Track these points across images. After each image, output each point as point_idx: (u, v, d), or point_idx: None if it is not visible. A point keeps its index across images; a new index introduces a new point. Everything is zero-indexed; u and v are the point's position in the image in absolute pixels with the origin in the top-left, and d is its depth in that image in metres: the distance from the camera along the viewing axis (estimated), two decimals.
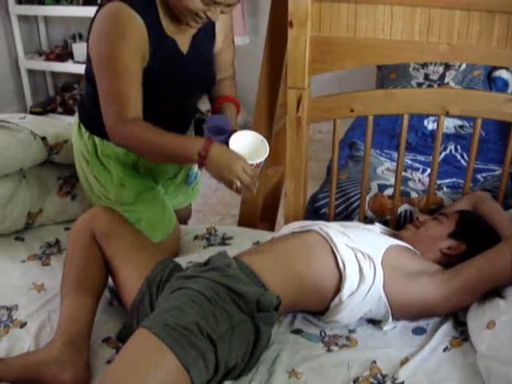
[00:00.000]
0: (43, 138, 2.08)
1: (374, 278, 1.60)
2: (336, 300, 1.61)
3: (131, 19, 1.61)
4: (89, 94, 1.85)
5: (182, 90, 1.84)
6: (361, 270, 1.60)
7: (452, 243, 1.74)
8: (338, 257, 1.61)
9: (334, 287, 1.62)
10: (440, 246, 1.75)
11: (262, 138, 1.76)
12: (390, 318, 1.63)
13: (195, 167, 2.18)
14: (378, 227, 1.88)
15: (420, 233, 1.79)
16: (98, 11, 1.68)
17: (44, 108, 4.72)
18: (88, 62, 1.76)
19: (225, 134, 1.72)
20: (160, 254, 1.72)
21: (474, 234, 1.76)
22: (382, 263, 1.62)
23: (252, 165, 1.69)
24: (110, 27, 1.63)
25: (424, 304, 1.61)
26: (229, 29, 1.93)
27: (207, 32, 1.83)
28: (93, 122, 1.88)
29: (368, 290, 1.59)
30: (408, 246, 1.74)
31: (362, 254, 1.62)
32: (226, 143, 1.70)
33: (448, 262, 1.71)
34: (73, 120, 1.99)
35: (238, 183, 1.62)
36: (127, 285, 1.64)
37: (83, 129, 1.91)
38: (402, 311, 1.63)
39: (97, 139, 1.89)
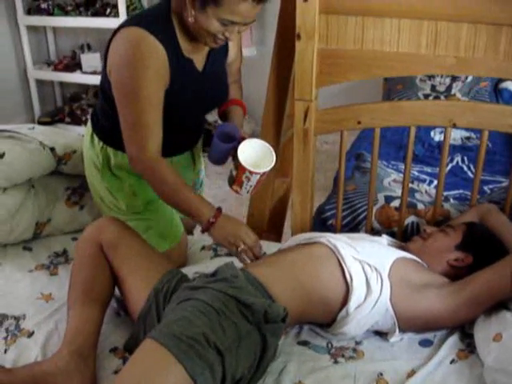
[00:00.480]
0: (52, 149, 2.10)
1: (381, 290, 1.60)
2: (343, 312, 1.61)
3: (152, 47, 1.62)
4: (103, 107, 1.87)
5: (198, 107, 1.89)
6: (368, 282, 1.60)
7: (459, 255, 1.74)
8: (345, 269, 1.61)
9: (340, 299, 1.62)
10: (447, 258, 1.75)
11: (269, 146, 1.80)
12: (397, 330, 1.62)
13: (202, 173, 2.21)
14: (385, 239, 1.88)
15: (427, 245, 1.79)
16: (115, 32, 1.68)
17: (52, 118, 4.73)
18: (104, 79, 1.77)
19: (233, 142, 1.79)
20: (167, 265, 1.73)
21: (481, 246, 1.76)
22: (389, 275, 1.62)
23: (258, 173, 1.74)
24: (131, 57, 1.62)
25: (430, 316, 1.61)
26: (240, 41, 1.96)
27: (221, 47, 1.83)
28: (106, 133, 1.90)
29: (375, 302, 1.59)
30: (415, 258, 1.74)
31: (369, 267, 1.62)
32: (235, 150, 1.75)
33: (455, 274, 1.71)
34: (82, 131, 2.01)
35: (242, 245, 1.69)
36: (134, 295, 1.65)
37: (96, 139, 1.92)
38: (408, 323, 1.63)
39: (110, 150, 1.91)
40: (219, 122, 2.03)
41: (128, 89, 1.65)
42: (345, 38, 1.88)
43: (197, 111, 1.92)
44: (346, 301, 1.61)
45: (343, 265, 1.62)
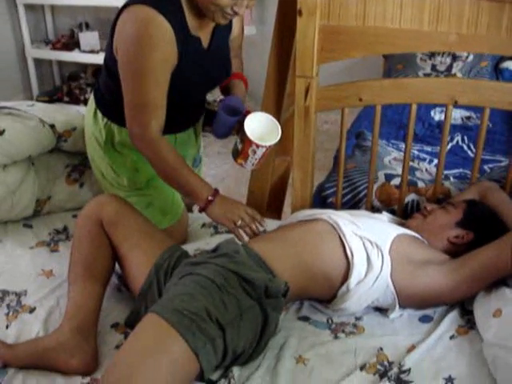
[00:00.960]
0: (52, 126, 2.09)
1: (382, 266, 1.60)
2: (343, 288, 1.61)
3: (161, 28, 1.61)
4: (107, 84, 1.86)
5: (203, 84, 1.89)
6: (368, 258, 1.61)
7: (460, 232, 1.75)
8: (346, 245, 1.62)
9: (341, 275, 1.62)
10: (448, 235, 1.75)
11: (274, 120, 1.81)
12: (397, 306, 1.63)
13: (201, 151, 2.22)
14: (385, 216, 1.88)
15: (427, 222, 1.79)
16: (123, 8, 1.66)
17: (50, 97, 4.71)
18: (109, 55, 1.76)
19: (238, 115, 1.82)
20: (168, 241, 1.73)
21: (481, 223, 1.76)
22: (389, 252, 1.62)
23: (264, 146, 1.75)
24: (140, 37, 1.61)
25: (431, 293, 1.62)
26: (242, 15, 1.93)
27: (225, 25, 1.83)
28: (110, 109, 1.89)
29: (375, 278, 1.60)
30: (416, 234, 1.74)
31: (370, 243, 1.63)
32: (240, 123, 1.77)
33: (455, 251, 1.72)
34: (81, 110, 1.99)
35: (240, 221, 1.69)
36: (135, 271, 1.66)
37: (99, 115, 1.92)
38: (408, 299, 1.64)
39: (114, 126, 1.91)
40: (219, 100, 2.03)
41: (135, 68, 1.64)
42: (346, 15, 1.87)
43: (202, 88, 1.92)
44: (346, 277, 1.61)
45: (344, 241, 1.63)
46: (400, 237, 1.68)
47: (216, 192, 1.73)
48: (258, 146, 1.75)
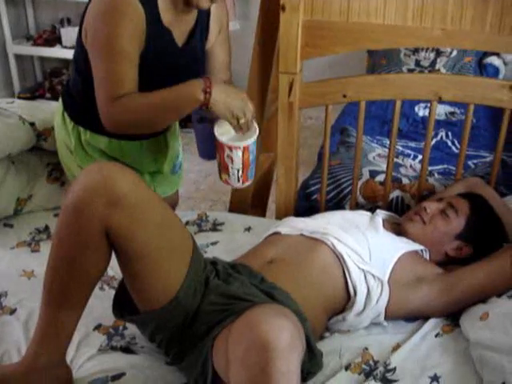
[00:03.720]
0: (32, 124, 2.06)
1: (379, 298, 1.59)
2: (339, 317, 1.61)
3: (131, 4, 1.56)
4: (76, 83, 1.81)
5: (170, 82, 1.74)
6: (369, 292, 1.59)
7: (459, 244, 1.74)
8: (350, 282, 1.59)
9: (340, 308, 1.61)
10: (446, 248, 1.74)
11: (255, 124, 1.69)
12: (383, 320, 1.63)
13: (180, 156, 2.15)
14: (380, 214, 1.84)
15: (427, 232, 1.74)
16: None
17: (32, 94, 4.66)
18: (78, 48, 1.72)
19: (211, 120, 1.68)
20: (188, 244, 1.46)
21: (483, 238, 1.74)
22: (388, 281, 1.61)
23: (237, 147, 1.59)
24: (108, 9, 1.57)
25: (420, 312, 1.63)
26: (224, 25, 1.88)
27: (202, 27, 1.80)
28: (78, 112, 1.84)
29: (372, 310, 1.60)
30: (413, 247, 1.72)
31: (373, 277, 1.60)
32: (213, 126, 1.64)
33: (451, 262, 1.74)
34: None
35: (243, 119, 1.57)
36: (153, 293, 1.40)
37: (67, 118, 1.86)
38: (396, 316, 1.64)
39: (81, 129, 1.84)
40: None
41: (102, 41, 1.57)
42: (330, 10, 1.86)
43: (169, 85, 1.75)
44: (344, 308, 1.60)
45: (348, 277, 1.59)
46: (400, 260, 1.65)
47: (208, 80, 1.55)
48: (230, 148, 1.59)
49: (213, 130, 1.64)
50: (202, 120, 1.72)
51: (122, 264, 1.37)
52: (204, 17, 1.79)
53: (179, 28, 1.73)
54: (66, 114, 1.86)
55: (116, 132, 1.67)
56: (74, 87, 1.83)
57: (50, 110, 2.15)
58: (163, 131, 1.96)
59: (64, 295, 1.36)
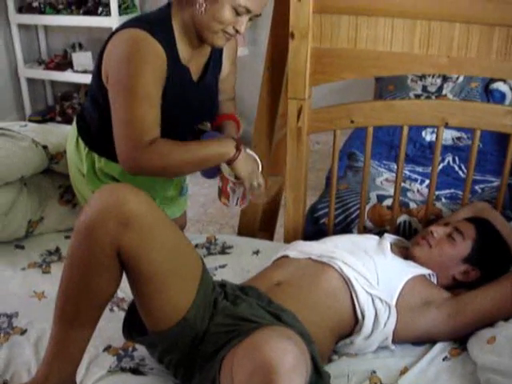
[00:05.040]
0: (44, 147, 2.09)
1: (387, 322, 1.60)
2: (347, 340, 1.62)
3: (152, 46, 1.59)
4: (91, 113, 1.82)
5: (187, 117, 1.84)
6: (376, 316, 1.60)
7: (466, 268, 1.75)
8: (358, 307, 1.60)
9: (348, 331, 1.62)
10: (453, 272, 1.75)
11: (254, 155, 1.77)
12: (390, 344, 1.64)
13: (187, 179, 2.19)
14: (388, 238, 1.86)
15: (433, 256, 1.75)
16: (112, 35, 1.66)
17: (43, 117, 4.72)
18: (95, 83, 1.74)
19: None
20: (198, 264, 1.48)
21: (490, 262, 1.75)
22: (396, 305, 1.62)
23: (241, 183, 1.73)
24: (131, 53, 1.59)
25: (428, 336, 1.64)
26: (234, 53, 1.93)
27: (216, 61, 1.83)
28: (93, 139, 1.86)
29: (379, 333, 1.61)
30: (421, 271, 1.72)
31: (380, 301, 1.61)
32: None
33: (458, 286, 1.75)
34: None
35: (255, 183, 1.70)
36: (163, 314, 1.40)
37: (81, 144, 1.88)
38: (403, 340, 1.64)
39: (96, 156, 1.87)
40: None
41: (125, 84, 1.59)
42: (338, 38, 1.89)
43: (185, 121, 1.85)
44: (352, 332, 1.61)
45: (356, 302, 1.60)
46: (407, 284, 1.65)
47: (237, 142, 1.69)
48: (235, 183, 1.71)
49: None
50: None
51: (133, 284, 1.38)
52: (217, 51, 1.82)
53: (195, 63, 1.77)
54: (80, 140, 1.88)
55: (135, 175, 1.68)
56: (90, 117, 1.85)
57: (63, 134, 2.19)
58: None
59: (76, 314, 1.38)
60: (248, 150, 1.77)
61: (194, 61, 1.76)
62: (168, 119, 1.69)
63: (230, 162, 1.68)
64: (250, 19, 1.64)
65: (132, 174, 1.66)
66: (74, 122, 1.94)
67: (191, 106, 1.80)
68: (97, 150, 1.86)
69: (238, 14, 1.59)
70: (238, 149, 1.67)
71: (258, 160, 1.78)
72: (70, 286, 1.36)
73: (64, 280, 1.37)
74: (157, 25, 1.64)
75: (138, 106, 1.58)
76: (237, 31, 1.63)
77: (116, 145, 1.62)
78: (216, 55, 1.83)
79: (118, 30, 1.66)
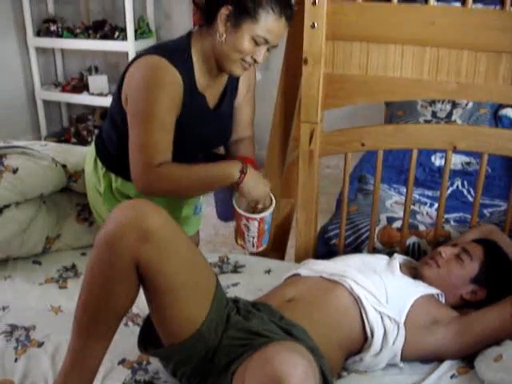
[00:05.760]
0: (64, 166, 2.15)
1: (396, 339, 1.63)
2: (356, 358, 1.65)
3: (171, 74, 1.65)
4: (110, 135, 1.88)
5: (201, 143, 1.90)
6: (385, 333, 1.63)
7: (474, 288, 1.78)
8: (367, 324, 1.63)
9: (357, 348, 1.65)
10: (461, 292, 1.78)
11: (268, 191, 1.78)
12: (399, 362, 1.67)
13: (201, 198, 2.22)
14: (397, 258, 1.89)
15: (441, 276, 1.79)
16: (134, 60, 1.72)
17: (58, 138, 4.79)
18: (115, 105, 1.80)
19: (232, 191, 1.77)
20: (212, 279, 1.52)
21: (497, 282, 1.78)
22: (404, 323, 1.65)
23: (254, 218, 1.72)
24: (150, 80, 1.65)
25: (436, 354, 1.66)
26: (252, 85, 1.97)
27: (232, 89, 1.89)
28: (111, 160, 1.91)
29: (388, 352, 1.64)
30: (429, 291, 1.76)
31: (389, 319, 1.64)
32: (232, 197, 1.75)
33: (466, 304, 1.78)
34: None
35: (260, 206, 1.70)
36: (177, 327, 1.44)
37: (99, 164, 1.93)
38: (411, 358, 1.67)
39: (113, 176, 1.92)
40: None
41: (141, 110, 1.66)
42: (350, 64, 1.95)
43: (198, 148, 1.91)
44: (361, 349, 1.64)
45: (365, 319, 1.64)
46: (415, 303, 1.68)
47: (243, 165, 1.70)
48: (247, 219, 1.71)
49: (231, 196, 1.77)
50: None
51: (150, 297, 1.43)
52: (234, 79, 1.88)
53: (211, 91, 1.82)
54: (98, 160, 1.94)
55: (147, 195, 1.72)
56: (108, 138, 1.90)
57: (81, 154, 2.25)
58: None
59: (94, 326, 1.41)
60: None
61: (210, 89, 1.81)
62: (183, 144, 1.75)
63: (236, 185, 1.70)
64: (268, 49, 1.70)
65: (144, 194, 1.71)
66: (93, 143, 1.99)
67: (206, 133, 1.85)
68: (114, 170, 1.91)
69: (256, 44, 1.65)
70: (242, 172, 1.69)
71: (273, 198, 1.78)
72: (89, 297, 1.40)
73: (84, 291, 1.41)
74: (176, 53, 1.70)
75: (153, 131, 1.64)
76: (255, 60, 1.69)
77: (130, 166, 1.69)
78: (233, 83, 1.89)
79: (139, 55, 1.72)
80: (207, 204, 2.40)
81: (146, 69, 1.67)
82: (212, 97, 1.84)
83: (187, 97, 1.72)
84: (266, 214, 1.74)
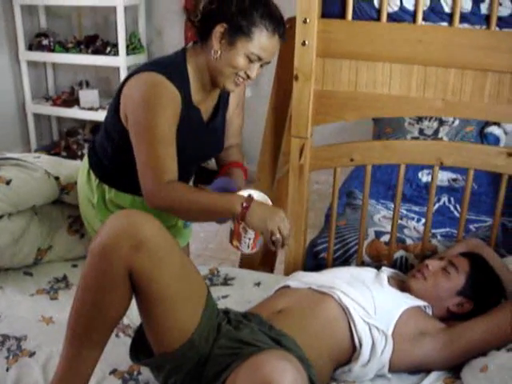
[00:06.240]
0: (56, 178, 2.17)
1: (384, 350, 1.66)
2: (345, 368, 1.67)
3: (169, 90, 1.68)
4: (104, 148, 1.89)
5: (195, 156, 1.93)
6: (374, 344, 1.66)
7: (460, 300, 1.81)
8: (355, 335, 1.66)
9: (345, 359, 1.68)
10: (448, 304, 1.82)
11: (265, 196, 1.79)
12: (386, 373, 1.69)
13: None
14: (385, 271, 1.93)
15: (428, 288, 1.82)
16: (130, 76, 1.74)
17: (48, 152, 4.76)
18: (111, 120, 1.82)
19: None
20: (203, 290, 1.56)
21: (483, 294, 1.82)
22: (392, 334, 1.68)
23: None
24: (151, 97, 1.67)
25: (423, 365, 1.69)
26: (241, 99, 2.02)
27: (224, 103, 1.93)
28: (104, 172, 1.93)
29: (376, 362, 1.66)
30: (416, 303, 1.79)
31: (377, 330, 1.67)
32: None
33: (452, 316, 1.81)
34: (78, 164, 2.04)
35: (278, 234, 1.63)
36: (169, 337, 1.46)
37: (93, 176, 1.95)
38: (399, 369, 1.70)
39: (106, 187, 1.94)
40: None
41: (143, 127, 1.67)
42: (339, 80, 2.00)
43: (192, 160, 1.95)
44: (349, 359, 1.67)
45: (353, 330, 1.66)
46: (403, 315, 1.71)
47: (250, 198, 1.66)
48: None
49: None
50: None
51: (142, 306, 1.45)
52: (225, 94, 1.92)
53: (205, 105, 1.86)
54: (91, 172, 1.95)
55: (156, 209, 1.72)
56: (103, 150, 1.91)
57: (74, 166, 2.28)
58: None
59: (87, 335, 1.44)
60: (257, 194, 1.75)
61: (204, 103, 1.85)
62: (178, 157, 1.75)
63: (240, 216, 1.66)
64: (261, 65, 1.74)
65: (153, 208, 1.71)
66: (86, 155, 2.01)
67: (200, 145, 1.88)
68: (107, 181, 1.93)
69: (250, 61, 1.69)
70: (244, 206, 1.64)
71: (269, 202, 1.76)
72: (82, 305, 1.42)
73: (77, 300, 1.43)
74: (173, 69, 1.73)
75: (158, 147, 1.66)
76: (248, 76, 1.73)
77: (141, 184, 1.70)
78: (224, 98, 1.93)
79: (136, 72, 1.74)
80: None
81: (145, 86, 1.69)
82: (206, 110, 1.87)
83: (184, 111, 1.75)
84: None
